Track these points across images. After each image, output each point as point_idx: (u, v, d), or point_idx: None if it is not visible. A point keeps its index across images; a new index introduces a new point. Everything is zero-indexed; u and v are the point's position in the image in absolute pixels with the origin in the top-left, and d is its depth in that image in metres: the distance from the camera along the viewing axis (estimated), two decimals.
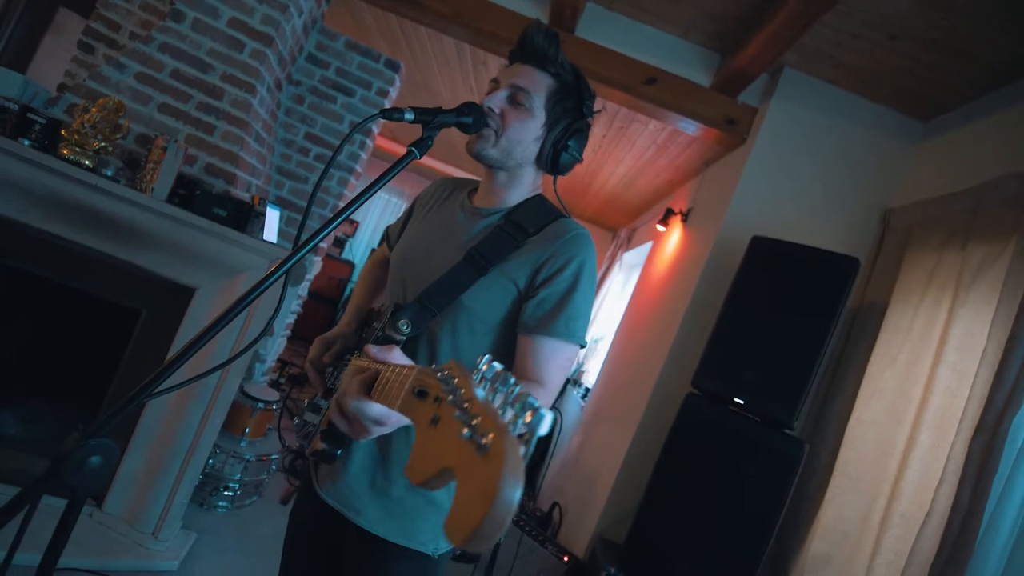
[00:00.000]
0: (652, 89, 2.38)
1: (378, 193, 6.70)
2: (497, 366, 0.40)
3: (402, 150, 5.99)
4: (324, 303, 5.55)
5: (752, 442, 1.78)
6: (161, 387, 0.58)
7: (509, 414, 0.34)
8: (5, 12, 2.76)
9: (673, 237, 3.02)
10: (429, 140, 0.76)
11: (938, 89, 2.04)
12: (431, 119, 0.75)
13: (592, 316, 0.83)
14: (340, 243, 6.17)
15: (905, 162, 2.23)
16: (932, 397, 1.60)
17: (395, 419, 0.61)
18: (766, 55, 2.07)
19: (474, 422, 0.33)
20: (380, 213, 6.66)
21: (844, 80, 2.22)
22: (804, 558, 1.84)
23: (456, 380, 0.39)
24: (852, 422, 1.87)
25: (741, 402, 1.83)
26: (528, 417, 0.34)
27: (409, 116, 0.72)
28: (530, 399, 0.34)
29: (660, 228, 3.08)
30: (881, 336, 1.92)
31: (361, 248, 6.48)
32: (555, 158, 0.90)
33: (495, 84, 0.90)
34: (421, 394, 0.44)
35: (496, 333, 0.85)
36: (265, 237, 1.96)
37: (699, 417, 1.88)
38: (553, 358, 0.81)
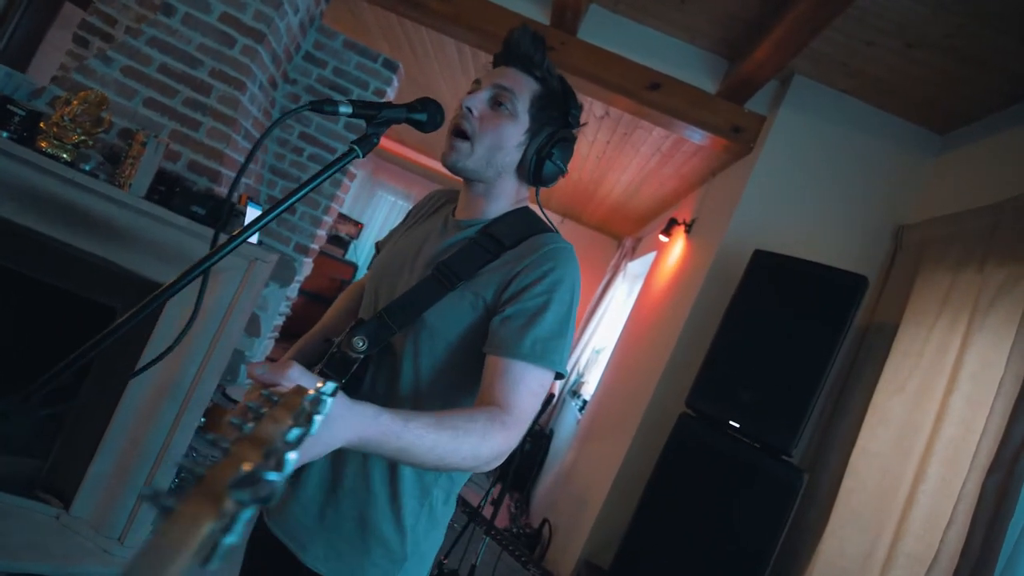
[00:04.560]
0: (656, 95, 2.30)
1: (384, 196, 6.66)
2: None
3: (411, 153, 5.94)
4: (324, 304, 5.52)
5: (748, 468, 1.68)
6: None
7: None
8: (10, 5, 2.76)
9: (676, 248, 2.92)
10: (375, 138, 0.69)
11: (957, 100, 1.93)
12: (375, 114, 0.68)
13: (571, 339, 0.74)
14: (344, 244, 6.13)
15: (920, 176, 2.11)
16: (944, 428, 1.49)
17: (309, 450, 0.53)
18: (775, 61, 1.97)
19: (206, 472, 0.30)
20: (385, 216, 6.62)
21: (857, 89, 2.12)
22: None
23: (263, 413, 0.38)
24: (856, 451, 1.75)
25: (737, 425, 1.72)
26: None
27: (346, 109, 0.64)
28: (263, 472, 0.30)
29: (663, 238, 2.98)
30: (890, 360, 1.80)
31: (365, 250, 6.44)
32: (538, 167, 0.83)
33: (477, 85, 0.83)
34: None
35: (459, 353, 0.78)
36: None
37: (692, 440, 1.78)
38: (521, 382, 0.71)
